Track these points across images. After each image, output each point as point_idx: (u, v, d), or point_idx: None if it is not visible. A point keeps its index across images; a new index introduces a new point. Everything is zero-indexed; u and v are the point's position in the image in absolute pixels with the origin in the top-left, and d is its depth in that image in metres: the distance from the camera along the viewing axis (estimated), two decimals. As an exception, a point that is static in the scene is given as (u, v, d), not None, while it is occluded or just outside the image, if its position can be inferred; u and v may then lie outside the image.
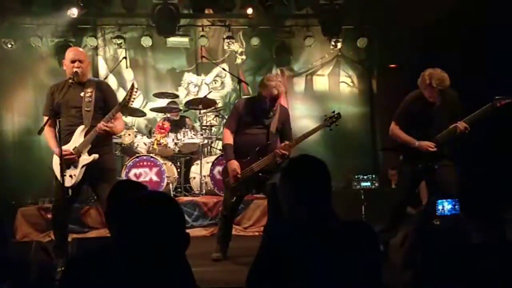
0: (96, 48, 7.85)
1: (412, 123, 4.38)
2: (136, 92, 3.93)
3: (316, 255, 1.71)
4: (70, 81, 3.95)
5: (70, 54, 4.09)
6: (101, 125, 3.90)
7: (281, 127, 4.45)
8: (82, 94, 4.01)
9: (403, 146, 4.40)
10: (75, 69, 3.97)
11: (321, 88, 8.44)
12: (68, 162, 3.93)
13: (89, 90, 4.02)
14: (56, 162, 3.98)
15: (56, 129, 3.86)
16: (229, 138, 4.39)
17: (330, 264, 1.70)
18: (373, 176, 6.90)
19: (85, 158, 3.97)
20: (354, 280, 1.72)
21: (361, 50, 8.06)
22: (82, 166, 3.96)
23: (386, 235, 4.38)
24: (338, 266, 1.71)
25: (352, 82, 8.46)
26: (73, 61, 4.01)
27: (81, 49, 4.48)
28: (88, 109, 3.98)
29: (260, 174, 4.30)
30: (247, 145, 4.35)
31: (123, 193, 2.22)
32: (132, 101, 3.96)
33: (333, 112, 4.41)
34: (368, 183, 6.86)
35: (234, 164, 4.29)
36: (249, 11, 7.60)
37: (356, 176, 6.90)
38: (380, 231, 4.40)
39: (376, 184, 6.87)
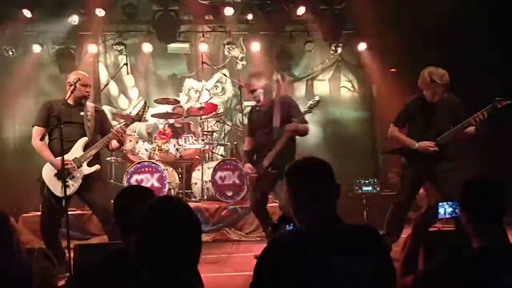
0: (97, 55, 7.87)
1: (413, 126, 4.39)
2: (148, 109, 4.35)
3: (320, 256, 1.70)
4: (72, 103, 4.19)
5: (84, 79, 4.26)
6: (122, 128, 4.18)
7: (287, 115, 4.47)
8: (82, 113, 4.22)
9: (404, 149, 4.40)
10: (86, 94, 4.26)
11: (322, 93, 8.44)
12: (69, 171, 4.02)
13: (89, 109, 4.26)
14: (50, 173, 4.04)
15: (46, 140, 4.05)
16: (247, 145, 4.77)
17: (335, 265, 1.70)
18: (375, 180, 6.90)
19: (87, 169, 4.12)
20: (360, 281, 1.70)
21: (361, 55, 8.07)
22: (83, 177, 4.10)
23: (388, 240, 4.38)
24: (342, 267, 1.70)
25: (353, 86, 8.48)
26: (85, 86, 4.24)
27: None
28: (89, 125, 4.19)
29: (270, 169, 4.40)
30: (257, 147, 4.64)
31: (133, 199, 2.20)
32: (145, 117, 4.36)
33: (314, 98, 4.52)
34: (370, 188, 6.85)
35: (246, 167, 4.61)
36: (249, 16, 7.63)
37: (357, 181, 6.91)
38: (382, 236, 4.40)
39: (378, 189, 6.87)
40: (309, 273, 1.67)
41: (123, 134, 4.21)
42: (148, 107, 4.38)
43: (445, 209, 2.61)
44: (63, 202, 3.90)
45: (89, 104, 4.34)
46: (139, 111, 4.30)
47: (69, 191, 4.01)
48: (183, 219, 1.56)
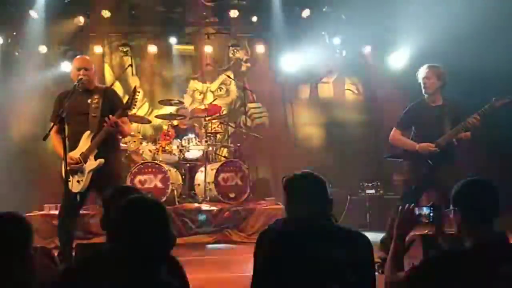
0: (102, 56, 7.91)
1: (415, 128, 4.39)
2: (138, 94, 4.04)
3: (303, 243, 1.94)
4: (77, 86, 4.02)
5: (76, 62, 4.19)
6: (112, 117, 3.94)
7: None
8: (89, 101, 4.10)
9: (406, 153, 4.40)
10: (80, 76, 4.05)
11: (326, 96, 8.45)
12: (74, 168, 3.99)
13: (96, 97, 4.11)
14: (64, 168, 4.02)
15: (62, 136, 3.91)
16: None
17: (314, 252, 1.92)
18: (378, 183, 6.89)
19: (91, 163, 4.03)
20: (334, 268, 1.90)
21: (366, 58, 8.06)
22: (89, 171, 4.02)
23: (390, 242, 4.36)
24: (320, 254, 1.91)
25: (357, 89, 8.47)
26: (79, 69, 4.10)
27: (87, 57, 4.52)
28: (94, 115, 4.06)
29: None
30: None
31: (115, 198, 2.25)
32: (135, 105, 4.06)
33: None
34: (373, 191, 6.85)
35: None
36: (254, 19, 7.64)
37: (360, 183, 6.90)
38: (384, 239, 4.39)
39: (381, 191, 6.86)
40: (292, 258, 1.92)
41: (118, 123, 3.99)
42: (139, 92, 4.10)
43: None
44: (77, 197, 3.98)
45: (100, 89, 4.20)
46: (128, 99, 4.07)
47: (79, 187, 4.02)
48: (154, 216, 1.66)
